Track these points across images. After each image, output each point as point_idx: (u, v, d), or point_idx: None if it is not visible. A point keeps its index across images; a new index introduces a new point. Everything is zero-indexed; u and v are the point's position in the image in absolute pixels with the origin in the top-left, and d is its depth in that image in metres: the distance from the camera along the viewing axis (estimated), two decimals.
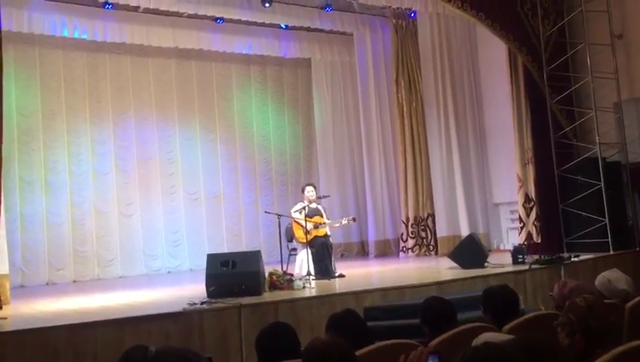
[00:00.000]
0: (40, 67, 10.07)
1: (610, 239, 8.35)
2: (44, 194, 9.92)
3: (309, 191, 8.26)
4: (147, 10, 9.93)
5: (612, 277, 4.18)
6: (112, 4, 9.47)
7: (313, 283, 7.17)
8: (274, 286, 6.61)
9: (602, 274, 4.27)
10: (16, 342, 4.89)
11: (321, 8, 10.75)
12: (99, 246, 10.27)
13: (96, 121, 10.50)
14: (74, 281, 9.88)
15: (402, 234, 11.01)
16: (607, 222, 8.38)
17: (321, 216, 8.20)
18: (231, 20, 10.65)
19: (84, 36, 9.92)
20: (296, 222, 8.10)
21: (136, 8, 9.87)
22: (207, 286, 6.28)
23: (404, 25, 11.19)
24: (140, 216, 10.71)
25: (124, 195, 10.62)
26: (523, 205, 9.32)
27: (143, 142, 10.87)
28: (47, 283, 9.68)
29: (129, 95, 10.80)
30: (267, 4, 9.77)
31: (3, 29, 6.41)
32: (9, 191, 9.11)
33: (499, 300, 3.69)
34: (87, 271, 10.10)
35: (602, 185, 8.48)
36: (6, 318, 5.77)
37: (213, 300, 5.85)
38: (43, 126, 10.01)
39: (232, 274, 6.38)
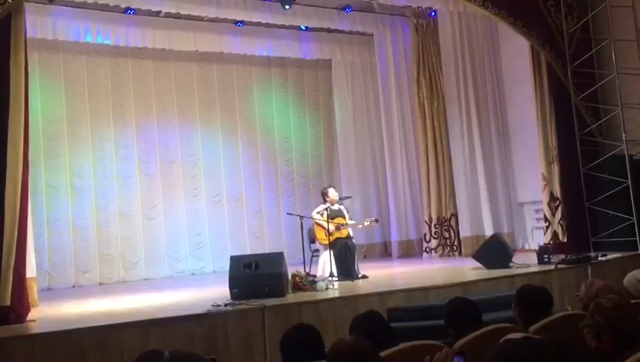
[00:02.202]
0: (64, 73, 10.22)
1: (638, 238, 8.19)
2: (69, 198, 10.07)
3: (333, 193, 8.27)
4: (168, 15, 10.03)
5: None
6: (133, 9, 9.58)
7: (336, 284, 7.17)
8: (297, 288, 6.62)
9: (631, 273, 4.19)
10: (44, 343, 4.97)
11: (341, 9, 10.76)
12: (124, 248, 10.39)
13: (120, 125, 10.63)
14: (100, 284, 10.00)
15: (425, 234, 10.94)
16: (635, 220, 8.23)
17: (343, 218, 8.19)
18: (251, 23, 10.70)
19: (107, 42, 10.05)
20: (317, 223, 8.11)
21: (157, 13, 9.99)
22: (231, 288, 6.31)
23: (425, 24, 11.12)
24: (163, 219, 10.80)
25: (148, 198, 10.73)
26: (548, 204, 9.19)
27: (165, 145, 10.97)
28: (74, 286, 9.82)
29: (151, 99, 10.91)
30: (287, 7, 9.80)
31: (28, 36, 6.51)
32: (35, 195, 9.27)
33: (533, 299, 3.64)
34: (112, 274, 10.21)
35: (629, 182, 8.33)
36: (34, 320, 5.86)
37: (236, 302, 5.88)
38: (68, 131, 10.16)
39: (255, 275, 6.40)
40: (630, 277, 4.14)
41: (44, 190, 9.86)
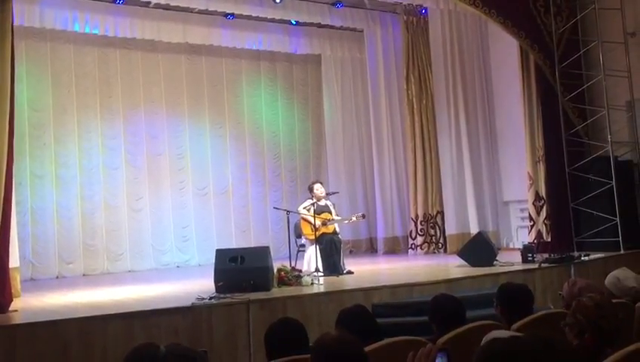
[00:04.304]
0: (51, 62, 10.11)
1: (621, 238, 8.29)
2: (54, 188, 9.98)
3: (318, 189, 8.27)
4: (158, 6, 9.96)
5: (621, 276, 4.16)
6: None
7: (321, 279, 7.18)
8: (282, 282, 6.62)
9: (612, 273, 4.24)
10: (26, 334, 4.93)
11: (332, 4, 10.74)
12: (108, 240, 10.32)
13: (107, 116, 10.54)
14: (84, 275, 9.94)
15: (411, 231, 10.98)
16: (618, 221, 8.32)
17: (330, 213, 8.20)
18: (241, 16, 10.65)
19: (95, 31, 9.95)
20: (304, 218, 8.11)
21: (146, 4, 9.92)
22: (216, 281, 6.29)
23: (415, 21, 11.14)
24: (149, 211, 10.75)
25: (134, 190, 10.66)
26: (533, 203, 9.27)
27: (152, 137, 10.91)
28: (57, 277, 9.74)
29: (139, 90, 10.83)
30: (278, 0, 9.76)
31: (15, 23, 6.44)
32: (20, 185, 9.18)
33: (514, 297, 3.66)
34: (96, 265, 10.15)
35: (614, 183, 8.42)
36: (17, 311, 5.81)
37: (221, 295, 5.87)
38: (54, 120, 10.06)
39: (240, 269, 6.39)
40: (611, 277, 4.19)
41: (29, 180, 9.76)
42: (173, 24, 10.39)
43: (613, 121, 8.74)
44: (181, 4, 9.78)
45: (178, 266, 10.76)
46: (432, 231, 10.84)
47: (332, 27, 11.58)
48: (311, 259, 7.80)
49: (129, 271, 10.26)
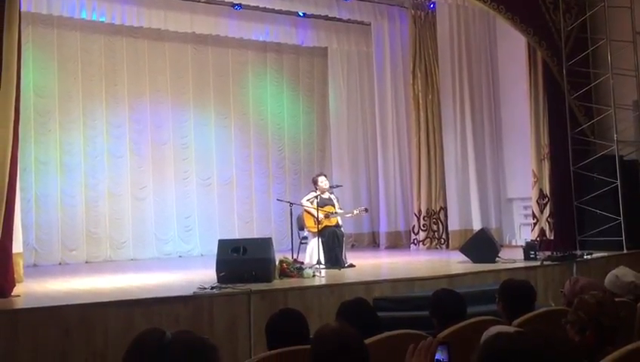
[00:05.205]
0: (57, 49, 10.11)
1: (624, 238, 8.27)
2: (59, 175, 10.00)
3: (322, 181, 8.27)
4: None
5: (620, 273, 4.16)
6: None
7: (323, 272, 7.19)
8: (284, 274, 6.63)
9: (611, 272, 4.24)
10: (28, 319, 4.95)
11: None
12: (111, 228, 10.34)
13: (112, 104, 10.54)
14: (86, 262, 9.96)
15: (414, 226, 10.98)
16: (622, 220, 8.30)
17: (333, 206, 8.20)
18: (248, 7, 10.62)
19: (102, 19, 9.95)
20: (307, 211, 8.11)
21: None
22: (218, 271, 6.30)
23: (423, 16, 11.10)
24: (152, 200, 10.76)
25: (138, 179, 10.68)
26: (537, 201, 9.25)
27: (157, 127, 10.91)
28: (60, 263, 9.77)
29: (145, 79, 10.82)
30: None
31: (22, 9, 6.43)
32: (24, 171, 9.19)
33: (516, 294, 3.66)
34: (99, 253, 10.18)
35: (618, 183, 8.39)
36: (19, 296, 5.84)
37: (223, 285, 5.88)
38: (59, 107, 10.06)
39: (242, 260, 6.40)
40: (610, 276, 4.18)
41: (34, 166, 9.78)
42: (180, 13, 10.37)
43: (619, 120, 8.70)
44: None
45: (180, 256, 10.78)
46: (434, 227, 10.83)
47: (339, 20, 11.54)
48: (313, 252, 7.82)
49: (131, 260, 10.28)
